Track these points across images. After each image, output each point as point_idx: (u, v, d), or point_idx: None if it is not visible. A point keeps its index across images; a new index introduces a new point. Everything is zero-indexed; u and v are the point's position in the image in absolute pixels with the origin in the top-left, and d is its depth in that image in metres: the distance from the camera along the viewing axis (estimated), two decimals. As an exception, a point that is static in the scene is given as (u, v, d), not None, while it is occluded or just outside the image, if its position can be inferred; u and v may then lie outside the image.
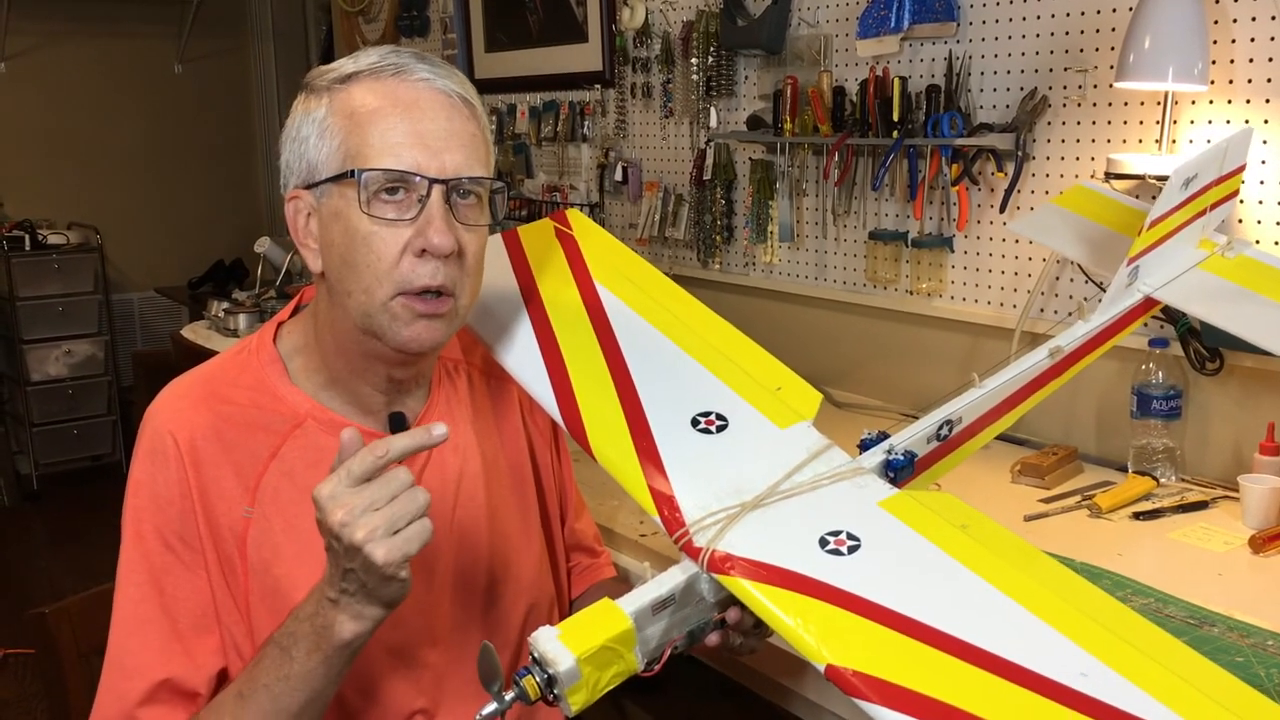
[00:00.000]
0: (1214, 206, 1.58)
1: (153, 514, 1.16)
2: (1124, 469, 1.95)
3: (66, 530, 4.58)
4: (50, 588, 4.01)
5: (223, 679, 1.17)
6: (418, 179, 1.11)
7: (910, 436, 1.21)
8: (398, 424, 1.22)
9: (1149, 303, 1.48)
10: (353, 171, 1.11)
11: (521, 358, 1.27)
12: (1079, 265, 2.07)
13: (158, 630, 1.15)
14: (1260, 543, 1.60)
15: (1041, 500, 1.84)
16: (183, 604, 1.16)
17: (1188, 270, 1.53)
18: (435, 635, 1.24)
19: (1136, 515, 1.75)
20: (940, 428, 1.23)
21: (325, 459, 1.18)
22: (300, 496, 1.18)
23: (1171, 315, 1.92)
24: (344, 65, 1.16)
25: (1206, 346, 1.88)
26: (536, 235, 1.43)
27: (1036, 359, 1.34)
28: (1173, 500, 1.79)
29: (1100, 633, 0.92)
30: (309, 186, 1.15)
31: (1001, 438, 2.16)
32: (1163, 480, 1.88)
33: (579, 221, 1.45)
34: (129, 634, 1.15)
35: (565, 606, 1.44)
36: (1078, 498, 1.83)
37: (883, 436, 1.20)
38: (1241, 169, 1.64)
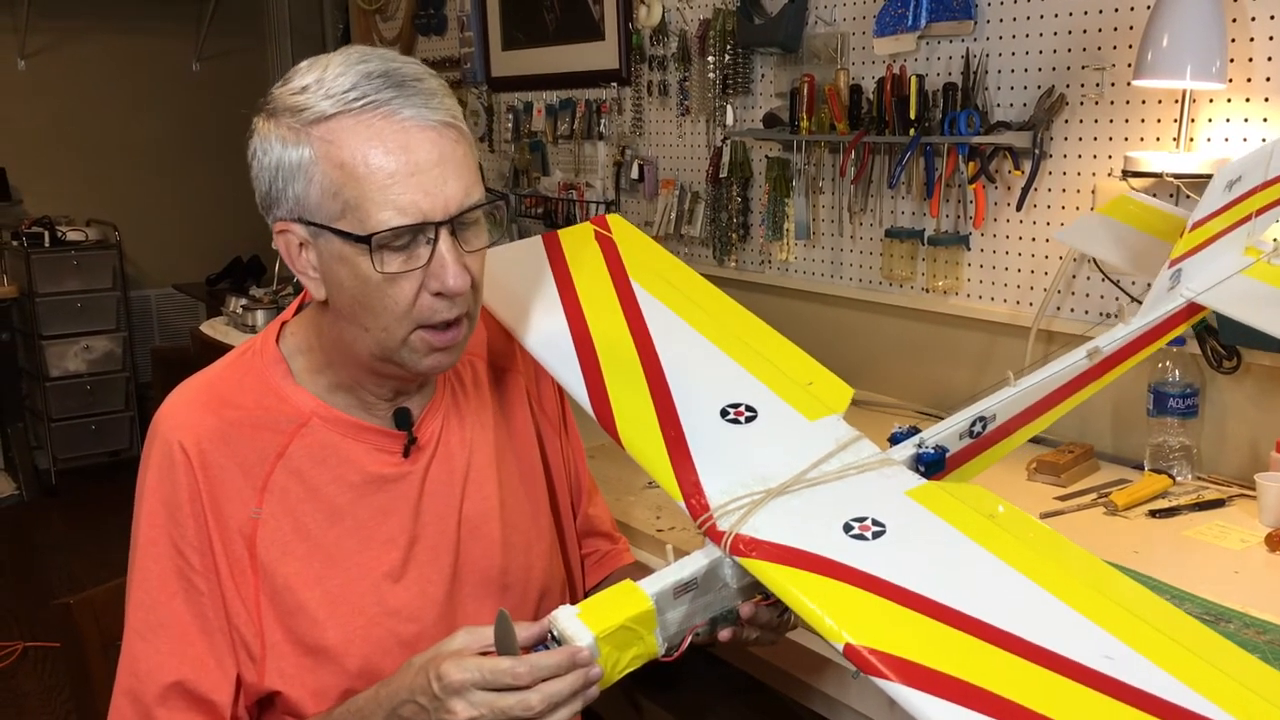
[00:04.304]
0: (1261, 212, 1.55)
1: (162, 520, 1.17)
2: (1140, 467, 1.95)
3: (85, 525, 4.61)
4: (69, 582, 4.05)
5: (239, 681, 1.18)
6: (424, 225, 1.09)
7: (942, 431, 1.20)
8: (402, 420, 1.23)
9: (1192, 308, 1.46)
10: (364, 238, 1.08)
11: (554, 348, 1.29)
12: (1097, 265, 2.07)
13: (168, 635, 1.16)
14: (1277, 541, 1.60)
15: (1057, 498, 1.85)
16: (193, 609, 1.16)
17: (1232, 276, 1.51)
18: (449, 628, 1.24)
19: (1153, 513, 1.75)
20: (973, 424, 1.23)
21: (331, 456, 1.21)
22: (307, 495, 1.20)
23: (1188, 313, 1.92)
24: (313, 99, 1.10)
25: (1223, 345, 1.88)
26: (576, 238, 1.46)
27: (1074, 359, 1.33)
28: (1189, 498, 1.79)
29: (1126, 617, 0.92)
30: (300, 221, 1.13)
31: (1017, 435, 2.17)
32: (1179, 478, 1.88)
33: (619, 225, 1.48)
34: (140, 639, 1.17)
35: (577, 592, 1.45)
36: (1094, 495, 1.83)
37: (913, 431, 1.20)
38: None
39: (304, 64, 1.15)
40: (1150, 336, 1.42)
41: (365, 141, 1.08)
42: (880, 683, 0.87)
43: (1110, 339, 1.37)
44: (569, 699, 0.98)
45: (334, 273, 1.13)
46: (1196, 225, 1.42)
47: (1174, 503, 1.77)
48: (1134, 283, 2.02)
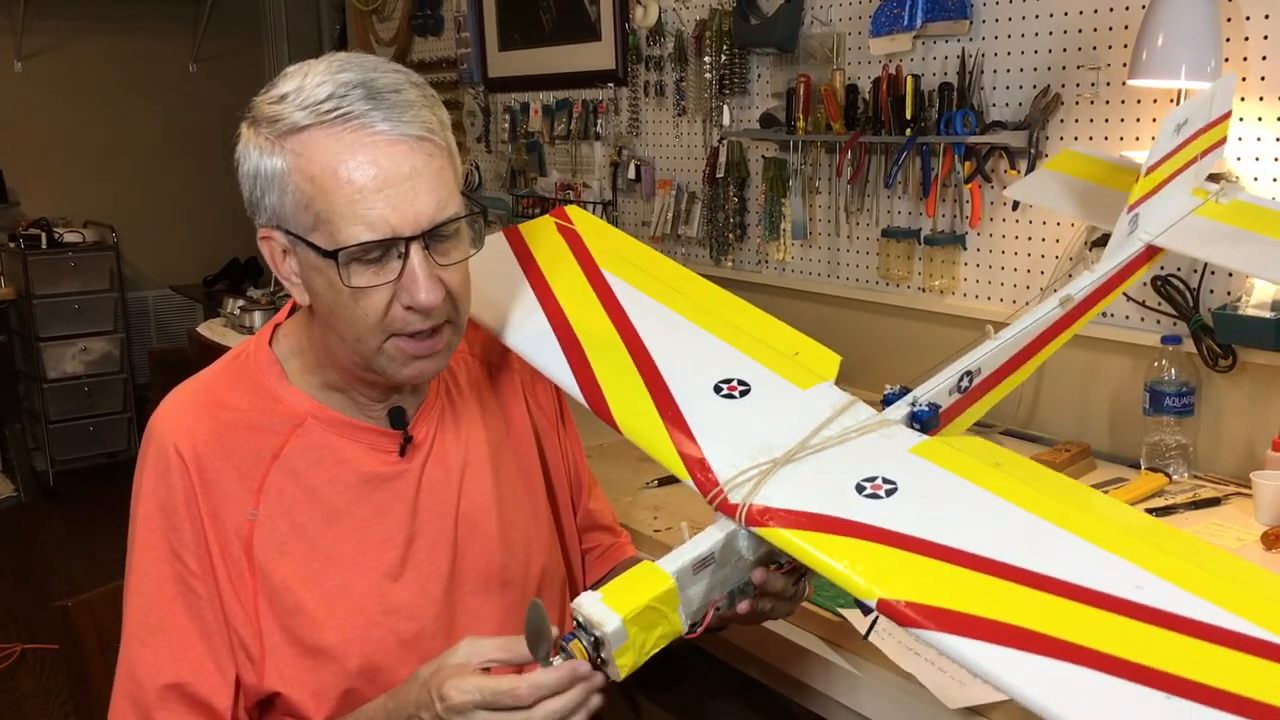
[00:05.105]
0: (1204, 154, 1.61)
1: (159, 524, 1.17)
2: (1137, 466, 1.95)
3: (83, 527, 4.61)
4: (67, 584, 4.05)
5: (238, 684, 1.18)
6: (394, 240, 1.09)
7: (932, 389, 1.22)
8: (397, 419, 1.24)
9: (1150, 251, 1.50)
10: (331, 253, 1.08)
11: (537, 345, 1.28)
12: (1093, 263, 2.08)
13: (167, 639, 1.16)
14: (1273, 539, 1.61)
15: (1054, 497, 1.85)
16: (191, 613, 1.17)
17: (1184, 217, 1.56)
18: (449, 626, 1.25)
19: (1149, 512, 1.75)
20: (961, 379, 1.25)
21: (327, 457, 1.21)
22: (304, 495, 1.20)
23: (1184, 312, 1.92)
24: (289, 109, 1.09)
25: (1219, 343, 1.88)
26: (539, 231, 1.45)
27: (1048, 309, 1.36)
28: (1185, 497, 1.79)
29: (1150, 550, 0.93)
30: (279, 229, 1.13)
31: (1014, 435, 2.17)
32: (1175, 477, 1.88)
33: (579, 216, 1.47)
34: (140, 643, 1.17)
35: (578, 587, 1.45)
36: (1090, 494, 1.84)
37: (905, 391, 1.21)
38: (1227, 116, 1.66)
39: (291, 69, 1.14)
40: (1115, 280, 1.46)
41: (335, 155, 1.08)
42: (919, 633, 0.87)
43: (1079, 286, 1.40)
44: (571, 713, 0.98)
45: (312, 281, 1.14)
46: (1150, 170, 1.47)
47: (1170, 501, 1.78)
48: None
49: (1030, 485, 1.03)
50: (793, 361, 1.23)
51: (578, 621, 0.98)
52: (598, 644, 0.97)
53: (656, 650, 1.01)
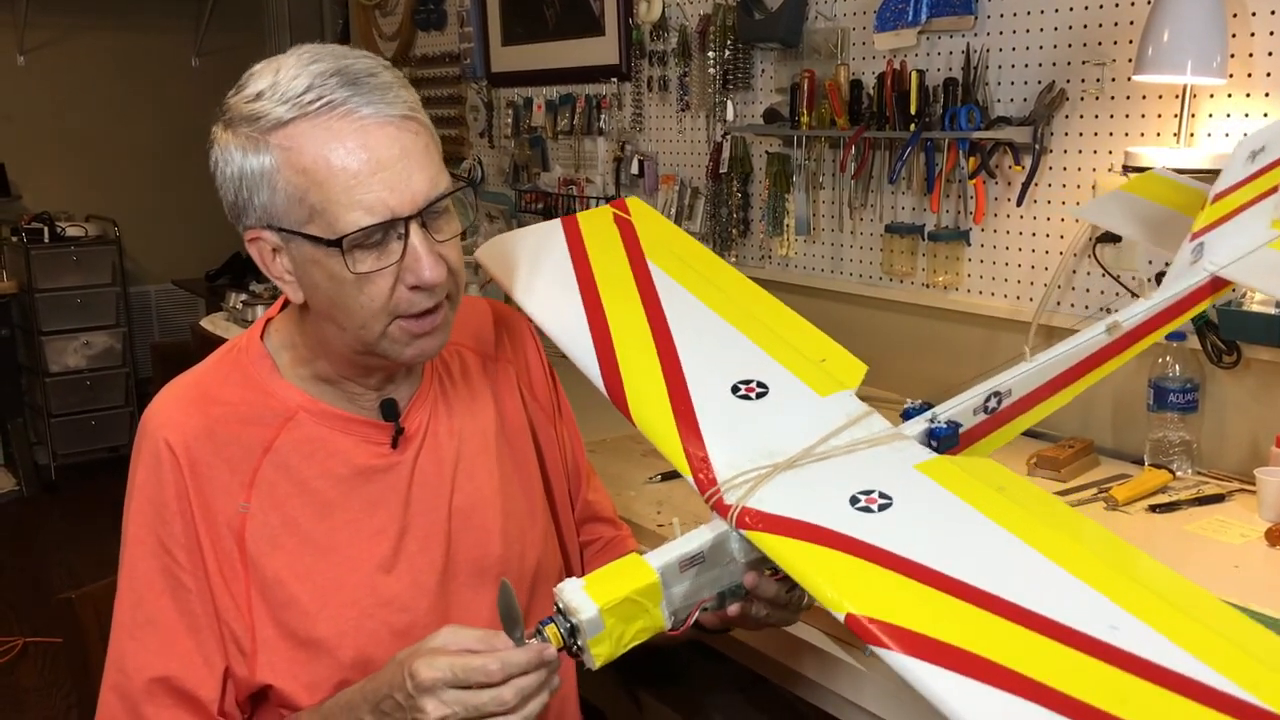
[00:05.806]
0: None
1: (150, 519, 1.18)
2: (1140, 462, 1.95)
3: (84, 521, 4.61)
4: (69, 578, 4.05)
5: (227, 678, 1.18)
6: (394, 221, 1.10)
7: (955, 406, 1.19)
8: (389, 411, 1.24)
9: (1217, 282, 1.43)
10: (335, 242, 1.08)
11: (567, 326, 1.29)
12: (1096, 259, 2.07)
13: (155, 632, 1.16)
14: (1276, 536, 1.60)
15: (1057, 493, 1.84)
16: (180, 607, 1.17)
17: (1258, 249, 1.48)
18: (442, 618, 1.25)
19: (1153, 508, 1.75)
20: (988, 399, 1.21)
21: (319, 450, 1.22)
22: (296, 489, 1.20)
23: (1189, 308, 1.92)
24: (269, 105, 1.10)
25: (1224, 340, 1.88)
26: (595, 220, 1.46)
27: (1093, 334, 1.31)
28: (1189, 493, 1.79)
29: (1134, 589, 0.91)
30: (269, 228, 1.13)
31: (1017, 430, 2.17)
32: (1179, 473, 1.88)
33: (637, 208, 1.48)
34: (129, 636, 1.17)
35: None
36: (1094, 490, 1.83)
37: (926, 406, 1.19)
38: None
39: (258, 67, 1.14)
40: (1172, 312, 1.40)
41: (325, 144, 1.08)
42: (881, 652, 0.87)
43: (1130, 314, 1.34)
44: (538, 691, 1.00)
45: (309, 276, 1.14)
46: (1218, 197, 1.40)
47: (1174, 498, 1.77)
48: (1133, 277, 2.02)
49: (1028, 511, 1.01)
50: (818, 368, 1.23)
51: (557, 607, 0.99)
52: (573, 631, 0.97)
53: (636, 643, 1.01)
